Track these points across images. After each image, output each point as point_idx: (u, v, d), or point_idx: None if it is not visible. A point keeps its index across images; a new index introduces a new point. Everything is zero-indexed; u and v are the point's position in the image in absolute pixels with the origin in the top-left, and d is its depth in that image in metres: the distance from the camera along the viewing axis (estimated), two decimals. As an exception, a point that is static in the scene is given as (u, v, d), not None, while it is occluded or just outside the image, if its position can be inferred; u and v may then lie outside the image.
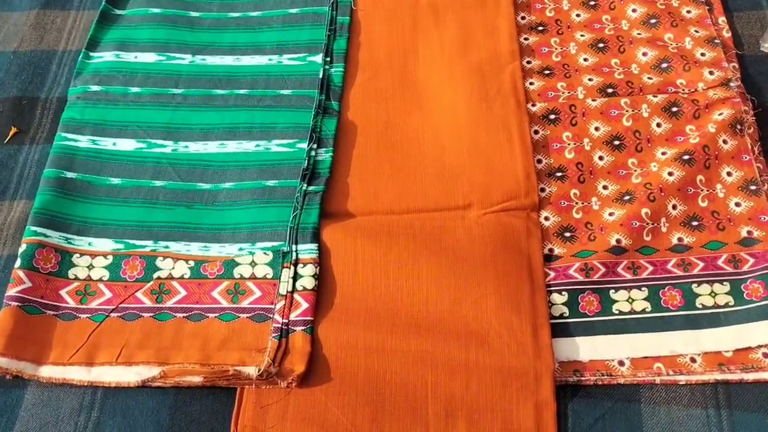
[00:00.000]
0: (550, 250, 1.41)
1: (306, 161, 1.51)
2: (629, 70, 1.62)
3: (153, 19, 1.77)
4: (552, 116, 1.57)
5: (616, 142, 1.52)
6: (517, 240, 1.40)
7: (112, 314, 1.29)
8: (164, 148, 1.57)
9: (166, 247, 1.44)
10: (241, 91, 1.64)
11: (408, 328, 1.28)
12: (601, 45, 1.66)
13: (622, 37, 1.67)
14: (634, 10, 1.70)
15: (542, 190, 1.48)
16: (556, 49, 1.67)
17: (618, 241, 1.39)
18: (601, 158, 1.51)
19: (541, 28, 1.70)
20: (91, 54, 1.71)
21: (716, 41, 1.62)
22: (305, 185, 1.48)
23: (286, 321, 1.30)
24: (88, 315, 1.30)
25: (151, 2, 1.80)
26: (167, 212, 1.48)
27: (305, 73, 1.66)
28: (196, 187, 1.52)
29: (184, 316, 1.32)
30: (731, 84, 1.54)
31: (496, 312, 1.30)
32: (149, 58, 1.71)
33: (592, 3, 1.73)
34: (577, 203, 1.46)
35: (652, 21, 1.68)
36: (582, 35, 1.65)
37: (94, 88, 1.64)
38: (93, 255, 1.39)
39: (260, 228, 1.44)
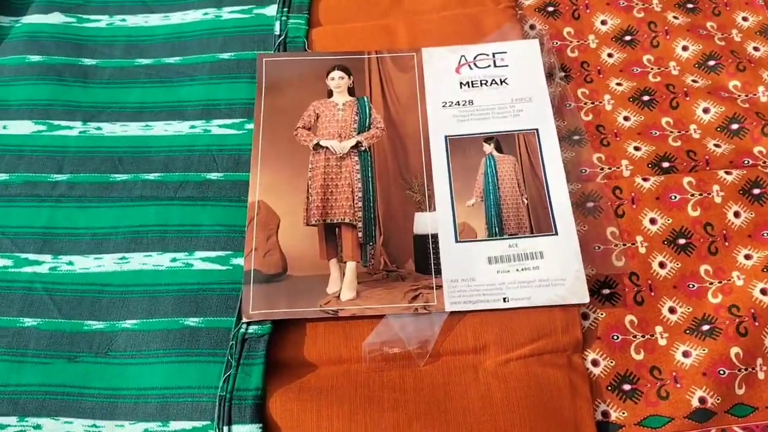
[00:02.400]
0: (605, 414, 0.97)
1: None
2: (687, 133, 1.18)
3: (32, 72, 1.27)
4: (589, 204, 1.12)
5: (681, 241, 1.09)
6: (557, 402, 0.96)
7: None
8: (39, 266, 1.08)
9: (37, 427, 0.96)
10: (151, 176, 1.16)
11: None
12: (645, 98, 1.22)
13: (674, 86, 1.23)
14: (684, 48, 1.26)
15: (585, 316, 1.03)
16: (585, 103, 1.23)
17: (702, 399, 0.96)
18: (662, 265, 1.07)
19: (563, 73, 1.26)
20: (-62, 125, 1.21)
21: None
22: (244, 326, 1.01)
23: None
24: None
25: (30, 46, 1.30)
26: (40, 370, 1.00)
27: (243, 145, 1.19)
28: (83, 327, 1.04)
29: None
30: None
31: None
32: (23, 128, 1.22)
33: (628, 38, 1.29)
34: (635, 336, 1.02)
35: (711, 63, 1.25)
36: (619, 84, 1.20)
37: (-62, 178, 1.15)
38: None
39: (175, 396, 0.97)
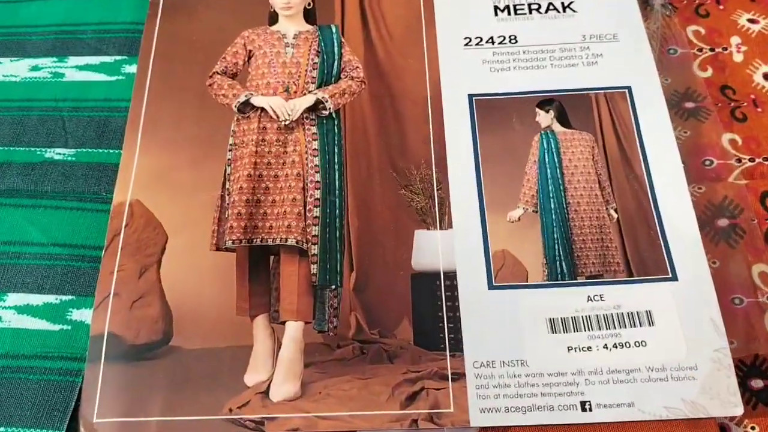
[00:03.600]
0: None
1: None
2: None
3: None
4: (721, 222, 0.64)
5: None
6: None
7: None
8: None
9: None
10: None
11: None
12: (801, 43, 0.73)
13: None
14: None
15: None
16: (701, 50, 0.74)
17: None
18: None
19: None
20: None
21: None
22: None
23: None
24: None
25: None
26: None
27: (115, 102, 0.69)
28: None
29: None
30: None
31: None
32: None
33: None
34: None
35: None
36: (752, 20, 0.73)
37: None
38: None
39: None
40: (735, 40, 0.75)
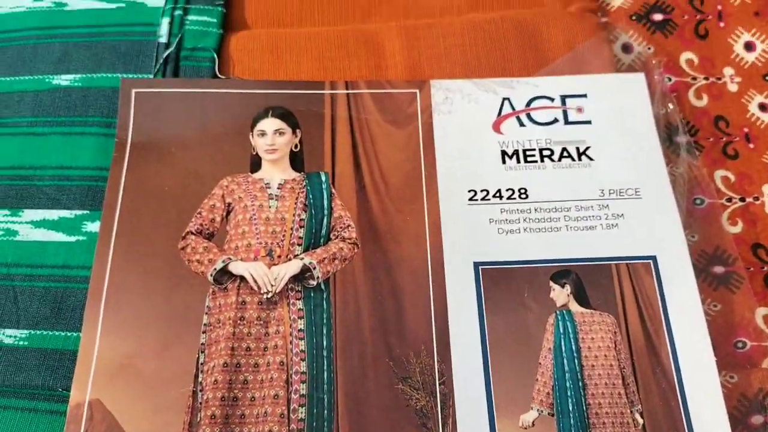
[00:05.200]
0: None
1: None
2: None
3: None
4: (757, 421, 0.57)
5: None
6: None
7: None
8: None
9: None
10: None
11: None
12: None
13: None
14: None
15: None
16: (731, 200, 0.67)
17: None
18: None
19: (689, 138, 0.69)
20: None
21: None
22: None
23: None
24: None
25: None
26: None
27: (74, 270, 0.61)
28: None
29: None
30: None
31: None
32: None
33: (794, 76, 0.73)
34: None
35: None
36: (788, 164, 0.65)
37: None
38: None
39: None
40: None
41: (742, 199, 0.67)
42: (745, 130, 0.71)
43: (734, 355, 0.60)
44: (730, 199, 0.67)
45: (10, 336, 0.57)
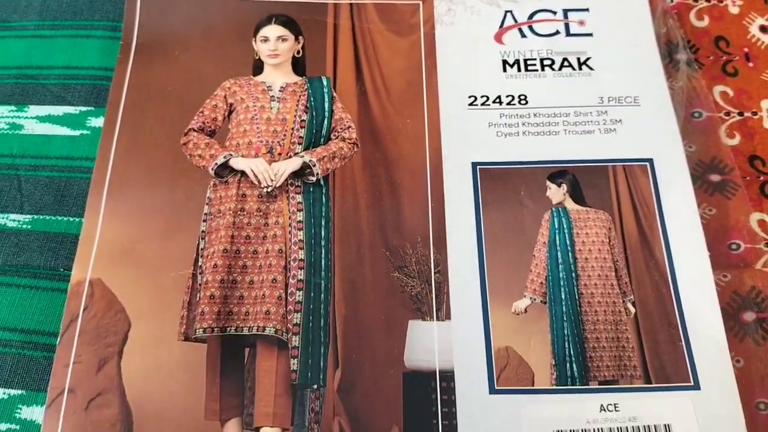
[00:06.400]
0: None
1: None
2: None
3: None
4: (747, 315, 0.58)
5: None
6: None
7: None
8: None
9: None
10: None
11: None
12: (838, 109, 0.66)
13: None
14: None
15: None
16: (728, 114, 0.68)
17: None
18: None
19: (689, 55, 0.69)
20: None
21: None
22: None
23: None
24: None
25: None
26: None
27: (78, 161, 0.63)
28: None
29: None
30: None
31: None
32: None
33: (795, 0, 0.73)
34: None
35: None
36: (787, 81, 0.66)
37: None
38: None
39: None
40: (766, 104, 0.68)
41: (741, 114, 0.68)
42: (745, 50, 0.71)
43: (728, 255, 0.60)
44: (728, 113, 0.68)
45: (14, 220, 0.59)
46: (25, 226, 0.58)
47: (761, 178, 0.64)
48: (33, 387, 0.52)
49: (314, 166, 0.60)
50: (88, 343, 0.53)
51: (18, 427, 0.51)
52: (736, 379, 0.54)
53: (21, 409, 0.52)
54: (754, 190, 0.64)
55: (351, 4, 0.69)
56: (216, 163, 0.60)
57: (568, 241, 0.58)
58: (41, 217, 0.59)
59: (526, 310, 0.56)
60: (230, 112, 0.64)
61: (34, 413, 0.52)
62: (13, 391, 0.52)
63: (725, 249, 0.61)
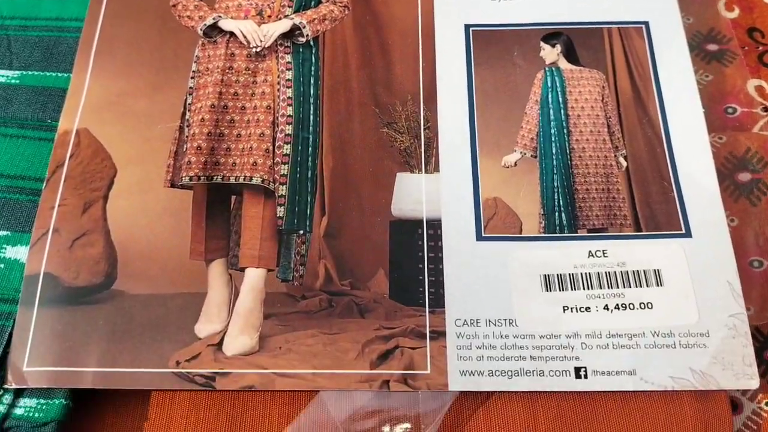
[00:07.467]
0: None
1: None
2: None
3: None
4: (742, 176, 0.57)
5: None
6: None
7: None
8: None
9: None
10: None
11: None
12: (841, -17, 0.65)
13: None
14: None
15: (735, 406, 0.49)
16: (728, -13, 0.66)
17: None
18: None
19: None
20: None
21: None
22: (7, 398, 0.46)
23: None
24: None
25: None
26: None
27: (65, 21, 0.62)
28: None
29: None
30: None
31: None
32: None
33: None
34: None
35: None
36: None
37: None
38: None
39: None
40: (766, -23, 0.67)
41: (741, -12, 0.66)
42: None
43: (724, 119, 0.59)
44: (728, -13, 0.66)
45: (3, 75, 0.58)
46: (13, 81, 0.58)
47: (760, 48, 0.63)
48: (18, 228, 0.52)
49: (304, 27, 0.59)
50: (73, 188, 0.53)
51: (2, 266, 0.51)
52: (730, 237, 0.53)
53: (5, 249, 0.52)
54: (752, 59, 0.62)
55: None
56: (205, 24, 0.59)
57: (560, 99, 0.57)
58: (30, 72, 0.58)
59: (516, 164, 0.55)
60: (220, -23, 0.63)
61: (18, 252, 0.52)
62: (-3, 232, 0.53)
63: (721, 113, 0.60)
